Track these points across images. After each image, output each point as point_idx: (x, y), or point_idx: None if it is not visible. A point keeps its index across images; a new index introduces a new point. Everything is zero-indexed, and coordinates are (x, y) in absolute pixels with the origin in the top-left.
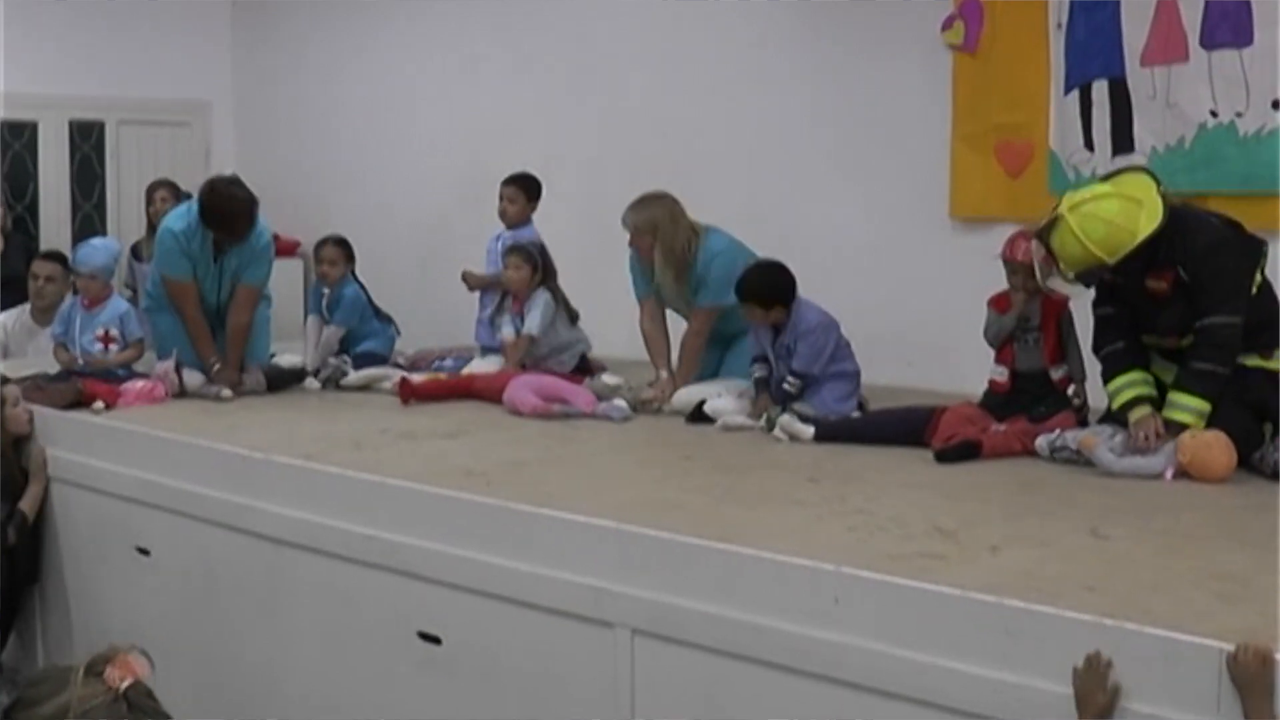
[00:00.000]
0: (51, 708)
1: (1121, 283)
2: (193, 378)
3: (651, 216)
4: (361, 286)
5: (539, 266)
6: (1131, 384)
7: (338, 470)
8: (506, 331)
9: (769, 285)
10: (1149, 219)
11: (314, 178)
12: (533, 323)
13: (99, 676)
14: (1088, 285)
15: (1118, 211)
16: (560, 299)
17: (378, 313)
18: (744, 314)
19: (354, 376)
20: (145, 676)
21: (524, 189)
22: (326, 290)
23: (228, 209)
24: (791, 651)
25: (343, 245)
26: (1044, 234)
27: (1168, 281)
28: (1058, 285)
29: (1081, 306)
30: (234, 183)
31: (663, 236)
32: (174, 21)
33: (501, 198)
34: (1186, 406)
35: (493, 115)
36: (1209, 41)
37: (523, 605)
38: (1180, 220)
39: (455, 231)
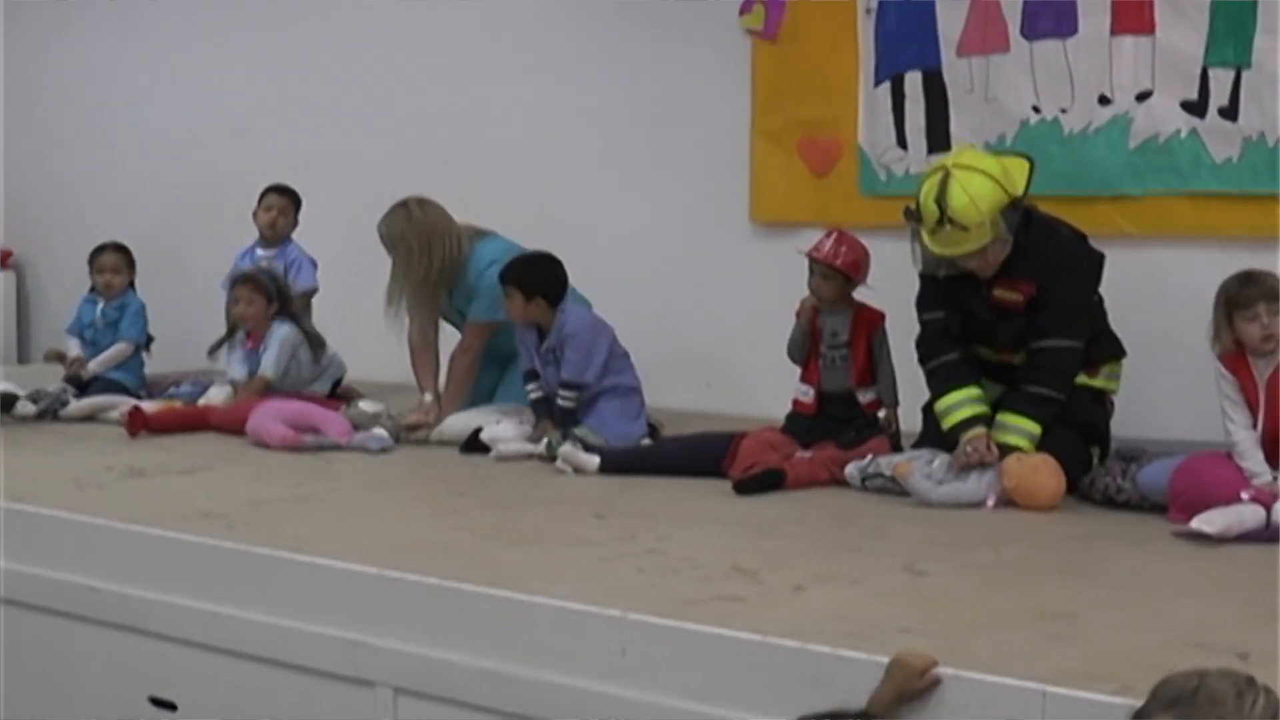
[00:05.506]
0: None
1: (955, 285)
2: None
3: (396, 229)
4: None
5: (273, 296)
6: (968, 401)
7: (55, 513)
8: (236, 372)
9: (533, 273)
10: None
11: (26, 178)
12: (269, 363)
13: None
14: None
15: (996, 168)
16: (303, 329)
17: None
18: (504, 305)
19: (76, 406)
20: None
21: (294, 201)
22: (102, 303)
23: None
24: (575, 709)
25: (124, 252)
26: (928, 201)
27: (1023, 294)
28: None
29: (897, 324)
30: None
31: (400, 254)
32: None
33: (271, 208)
34: (1019, 429)
35: (233, 113)
36: (1030, 31)
37: (270, 663)
38: (1039, 227)
39: (192, 242)
